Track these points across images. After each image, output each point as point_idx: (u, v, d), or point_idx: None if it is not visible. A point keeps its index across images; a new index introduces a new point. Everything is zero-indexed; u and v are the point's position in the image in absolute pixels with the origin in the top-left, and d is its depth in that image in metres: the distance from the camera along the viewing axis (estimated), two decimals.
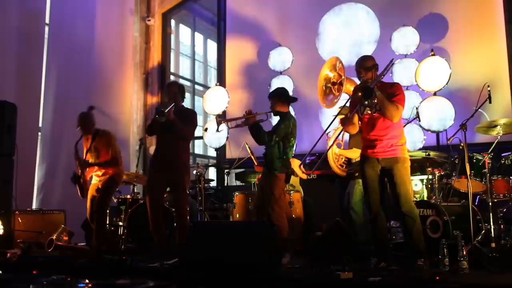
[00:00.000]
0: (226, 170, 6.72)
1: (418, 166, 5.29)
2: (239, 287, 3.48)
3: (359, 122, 4.08)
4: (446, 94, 6.11)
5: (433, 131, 6.10)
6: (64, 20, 7.67)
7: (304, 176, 5.77)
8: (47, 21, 7.47)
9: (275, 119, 5.00)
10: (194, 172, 6.28)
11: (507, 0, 6.28)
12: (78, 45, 7.76)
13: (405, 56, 6.44)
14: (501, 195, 4.50)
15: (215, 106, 7.59)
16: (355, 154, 4.89)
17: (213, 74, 13.63)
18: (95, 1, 8.16)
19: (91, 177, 5.46)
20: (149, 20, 9.15)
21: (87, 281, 3.62)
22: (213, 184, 7.66)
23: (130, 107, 8.80)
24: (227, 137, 7.41)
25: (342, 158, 5.19)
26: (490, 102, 4.45)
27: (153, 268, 4.05)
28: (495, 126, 4.75)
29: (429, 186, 5.00)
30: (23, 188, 6.32)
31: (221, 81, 8.08)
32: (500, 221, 4.52)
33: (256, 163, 5.90)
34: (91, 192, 5.39)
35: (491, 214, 4.37)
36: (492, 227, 4.31)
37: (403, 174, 3.87)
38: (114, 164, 5.33)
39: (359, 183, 4.91)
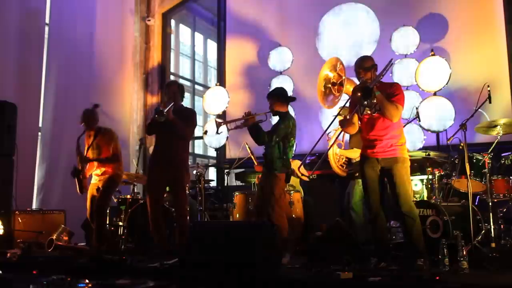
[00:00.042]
0: (226, 170, 6.72)
1: (418, 166, 5.29)
2: (239, 287, 3.48)
3: (359, 122, 4.08)
4: (446, 94, 6.11)
5: (433, 131, 6.10)
6: (64, 20, 7.67)
7: (306, 178, 5.77)
8: (47, 21, 7.48)
9: (274, 119, 5.00)
10: (194, 172, 6.28)
11: (507, 0, 6.28)
12: (78, 45, 7.76)
13: (405, 56, 6.43)
14: (501, 195, 4.50)
15: (215, 106, 7.59)
16: (355, 154, 4.89)
17: (213, 74, 13.63)
18: (95, 1, 8.16)
19: (91, 177, 5.46)
20: (149, 20, 9.15)
21: (87, 281, 3.62)
22: (213, 184, 7.66)
23: (130, 107, 8.80)
24: (227, 137, 7.41)
25: (342, 158, 5.19)
26: (490, 102, 4.46)
27: (153, 268, 4.04)
28: (495, 126, 4.75)
29: (429, 186, 5.00)
30: (23, 188, 6.33)
31: (221, 81, 8.08)
32: (500, 221, 4.52)
33: (256, 163, 5.90)
34: (91, 191, 5.39)
35: (491, 214, 4.37)
36: (492, 227, 4.31)
37: (403, 174, 3.87)
38: (114, 160, 5.34)
39: (359, 183, 4.91)
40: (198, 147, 12.62)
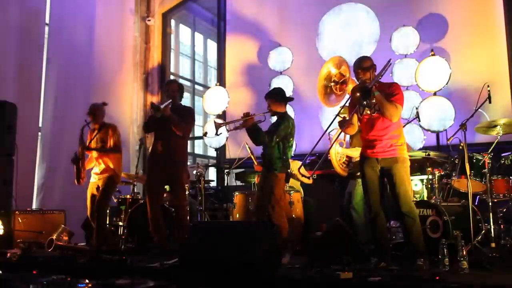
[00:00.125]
0: (226, 170, 6.72)
1: (418, 166, 5.28)
2: (239, 287, 3.48)
3: (358, 123, 4.08)
4: (446, 94, 6.11)
5: (433, 131, 6.10)
6: (64, 20, 7.67)
7: (307, 180, 5.77)
8: (47, 21, 7.48)
9: (273, 119, 5.00)
10: (194, 172, 6.28)
11: (507, 0, 6.28)
12: (78, 45, 7.77)
13: (405, 56, 6.43)
14: (501, 195, 4.50)
15: (215, 106, 7.59)
16: (357, 153, 4.89)
17: (213, 74, 13.63)
18: (95, 1, 8.16)
19: (90, 175, 5.47)
20: (149, 20, 9.15)
21: (87, 281, 3.62)
22: (213, 184, 7.66)
23: (130, 107, 8.81)
24: (227, 138, 7.41)
25: (343, 157, 5.19)
26: (490, 102, 4.45)
27: (153, 268, 4.04)
28: (495, 126, 4.75)
29: (429, 186, 5.00)
30: (23, 188, 6.33)
31: (221, 81, 8.08)
32: (500, 221, 4.53)
33: (256, 163, 5.90)
34: (90, 190, 5.41)
35: (491, 214, 4.37)
36: (492, 227, 4.31)
37: (403, 174, 3.87)
38: (115, 151, 5.37)
39: (360, 183, 4.91)
40: (198, 147, 12.63)
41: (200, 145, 12.54)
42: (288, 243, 4.60)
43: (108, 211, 5.51)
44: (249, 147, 5.99)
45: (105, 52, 8.22)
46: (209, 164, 9.76)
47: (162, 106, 4.65)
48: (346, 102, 4.38)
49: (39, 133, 7.26)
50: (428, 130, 6.08)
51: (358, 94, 3.81)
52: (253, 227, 4.01)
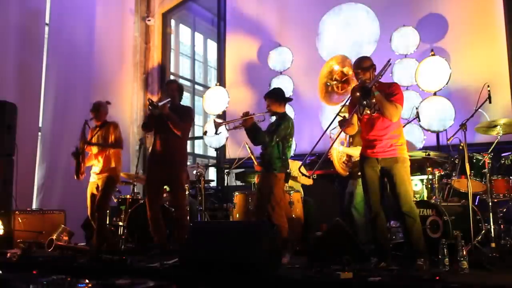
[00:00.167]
0: (226, 170, 6.72)
1: (418, 166, 5.28)
2: (239, 287, 3.48)
3: (358, 122, 4.08)
4: (446, 94, 6.11)
5: (433, 131, 6.10)
6: (64, 20, 7.67)
7: (307, 181, 5.78)
8: (47, 21, 7.48)
9: (272, 119, 5.01)
10: (194, 172, 6.28)
11: (507, 0, 6.28)
12: (78, 45, 7.77)
13: (405, 56, 6.43)
14: (501, 195, 4.50)
15: (215, 106, 7.59)
16: (358, 152, 4.89)
17: (213, 74, 13.63)
18: (95, 1, 8.16)
19: (89, 174, 5.47)
20: (149, 20, 9.15)
21: (87, 281, 3.62)
22: (213, 184, 7.66)
23: (130, 107, 8.81)
24: (227, 138, 7.41)
25: (343, 156, 5.20)
26: (490, 102, 4.45)
27: (153, 268, 4.04)
28: (495, 126, 4.75)
29: (429, 186, 5.00)
30: (23, 188, 6.33)
31: (221, 81, 8.08)
32: (500, 221, 4.53)
33: (256, 163, 5.90)
34: (90, 190, 5.41)
35: (491, 214, 4.37)
36: (492, 227, 4.31)
37: (403, 174, 3.87)
38: (116, 146, 5.39)
39: (360, 184, 4.91)
40: (198, 147, 12.63)
41: (200, 145, 12.54)
42: (288, 243, 4.60)
43: (108, 211, 5.51)
44: (249, 147, 5.99)
45: (105, 52, 8.22)
46: (209, 164, 9.76)
47: (159, 104, 4.65)
48: (347, 101, 4.38)
49: (39, 133, 7.26)
50: (428, 130, 6.08)
51: (358, 94, 3.81)
52: (253, 227, 4.01)
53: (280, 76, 7.38)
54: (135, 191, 6.22)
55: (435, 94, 6.11)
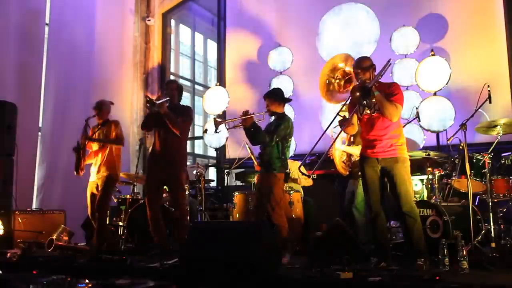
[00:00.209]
0: (226, 170, 6.72)
1: (418, 166, 5.28)
2: (239, 287, 3.48)
3: (358, 122, 4.08)
4: (446, 94, 6.11)
5: (433, 131, 6.09)
6: (64, 20, 7.68)
7: (307, 181, 5.77)
8: (47, 21, 7.48)
9: (271, 119, 5.01)
10: (194, 172, 6.28)
11: (507, 0, 6.28)
12: (78, 45, 7.77)
13: (405, 56, 6.43)
14: (501, 195, 4.50)
15: (215, 106, 7.59)
16: (359, 151, 4.89)
17: (213, 74, 13.63)
18: (95, 1, 8.16)
19: (89, 173, 5.47)
20: (149, 20, 9.15)
21: (87, 281, 3.62)
22: (213, 184, 7.66)
23: (130, 107, 8.81)
24: (227, 138, 7.42)
25: (344, 155, 5.20)
26: (490, 102, 4.45)
27: (153, 268, 4.04)
28: (495, 126, 4.75)
29: (429, 186, 5.00)
30: (23, 188, 6.33)
31: (221, 81, 8.08)
32: (500, 221, 4.53)
33: (256, 163, 5.90)
34: (90, 189, 5.41)
35: (491, 214, 4.37)
36: (492, 227, 4.31)
37: (403, 174, 3.87)
38: (117, 142, 5.40)
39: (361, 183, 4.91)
40: (198, 147, 12.63)
41: (200, 145, 12.54)
42: (288, 243, 4.60)
43: (108, 211, 5.51)
44: (249, 147, 5.99)
45: (105, 52, 8.22)
46: (209, 164, 9.77)
47: (157, 102, 4.65)
48: (347, 100, 4.38)
49: (39, 133, 7.26)
50: (428, 130, 6.08)
51: (358, 93, 3.81)
52: (253, 227, 4.01)
53: (280, 76, 7.38)
54: (135, 191, 6.22)
55: (435, 94, 6.11)
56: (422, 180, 5.38)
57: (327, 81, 4.57)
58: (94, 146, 5.45)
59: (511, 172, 4.61)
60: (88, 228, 5.93)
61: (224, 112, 7.63)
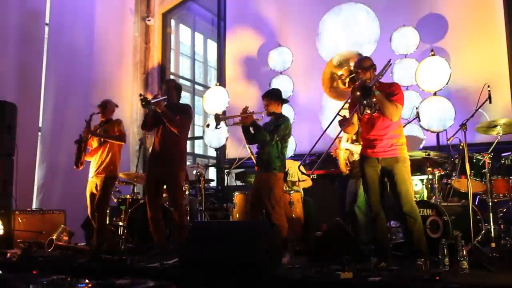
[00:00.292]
0: (226, 170, 6.72)
1: (418, 166, 5.28)
2: (239, 287, 3.48)
3: (359, 122, 4.08)
4: (446, 94, 6.11)
5: (433, 131, 6.09)
6: (64, 20, 7.68)
7: (307, 185, 5.77)
8: (47, 21, 7.48)
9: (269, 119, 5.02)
10: (194, 172, 6.28)
11: (507, 0, 6.28)
12: (78, 45, 7.77)
13: (405, 56, 6.43)
14: (501, 195, 4.50)
15: (215, 106, 7.59)
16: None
17: (213, 74, 13.63)
18: (95, 1, 8.16)
19: (88, 171, 5.47)
20: (149, 20, 9.15)
21: (87, 281, 3.62)
22: (213, 184, 7.66)
23: (130, 107, 8.81)
24: (227, 138, 7.42)
25: (346, 153, 5.20)
26: (490, 102, 4.45)
27: (153, 268, 4.04)
28: (495, 126, 4.75)
29: (429, 186, 5.00)
30: (23, 188, 6.33)
31: (221, 81, 8.08)
32: (500, 221, 4.53)
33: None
34: (89, 189, 5.41)
35: (491, 214, 4.37)
36: (492, 227, 4.31)
37: (404, 173, 3.87)
38: (119, 139, 5.42)
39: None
40: (198, 147, 12.62)
41: (200, 145, 12.53)
42: (288, 243, 4.60)
43: (107, 210, 5.51)
44: (249, 147, 5.99)
45: (105, 52, 8.22)
46: (209, 164, 9.76)
47: (152, 101, 4.65)
48: (347, 100, 4.38)
49: (39, 133, 7.26)
50: (428, 130, 6.08)
51: (358, 93, 3.81)
52: (253, 227, 4.01)
53: (280, 76, 7.38)
54: (135, 191, 6.22)
55: (435, 94, 6.11)
56: (422, 180, 5.38)
57: (331, 78, 4.55)
58: (94, 144, 5.45)
59: (511, 172, 4.61)
60: (88, 228, 5.93)
61: (224, 112, 7.62)
